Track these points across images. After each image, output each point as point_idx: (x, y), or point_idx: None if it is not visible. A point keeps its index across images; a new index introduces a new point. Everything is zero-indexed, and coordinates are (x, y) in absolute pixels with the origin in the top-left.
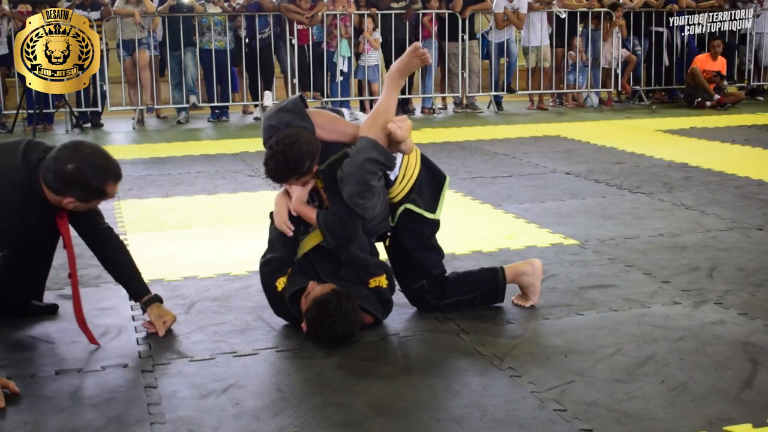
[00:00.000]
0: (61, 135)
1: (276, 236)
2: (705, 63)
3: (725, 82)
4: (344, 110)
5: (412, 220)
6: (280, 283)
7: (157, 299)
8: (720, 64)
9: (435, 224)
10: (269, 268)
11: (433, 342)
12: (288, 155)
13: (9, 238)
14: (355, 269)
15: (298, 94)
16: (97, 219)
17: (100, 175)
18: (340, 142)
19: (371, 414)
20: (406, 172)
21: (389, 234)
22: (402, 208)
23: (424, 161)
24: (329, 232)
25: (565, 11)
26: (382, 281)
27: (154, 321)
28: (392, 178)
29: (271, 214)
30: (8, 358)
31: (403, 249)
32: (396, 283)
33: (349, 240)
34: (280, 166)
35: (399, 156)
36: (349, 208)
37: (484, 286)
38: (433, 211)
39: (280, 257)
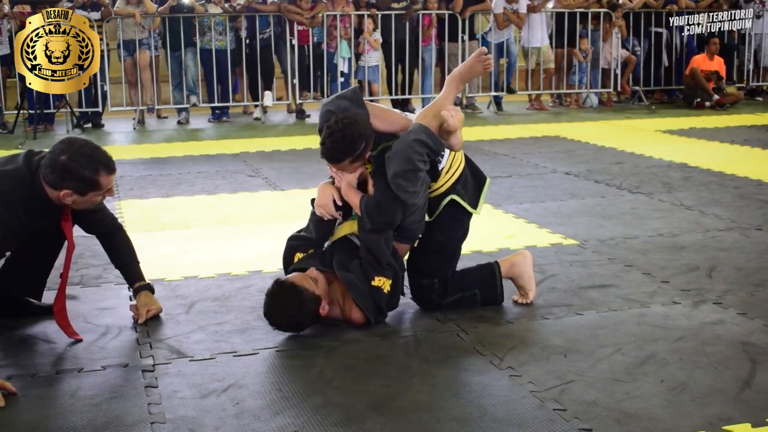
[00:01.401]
0: (61, 135)
1: (313, 220)
2: (702, 63)
3: (723, 83)
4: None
5: (451, 216)
6: (297, 257)
7: (148, 288)
8: (717, 64)
9: (466, 229)
10: (296, 243)
11: (433, 342)
12: (346, 134)
13: (16, 238)
14: (368, 261)
15: (356, 84)
16: (101, 213)
17: (92, 164)
18: (391, 133)
19: (371, 414)
20: (453, 163)
21: (419, 237)
22: (448, 199)
23: (468, 160)
24: (367, 215)
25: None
26: (385, 284)
27: (139, 308)
28: (440, 167)
29: (313, 200)
30: (8, 358)
31: (431, 245)
32: (402, 291)
33: (385, 224)
34: (338, 144)
35: (446, 150)
36: (390, 194)
37: (483, 282)
38: (475, 207)
39: (311, 238)
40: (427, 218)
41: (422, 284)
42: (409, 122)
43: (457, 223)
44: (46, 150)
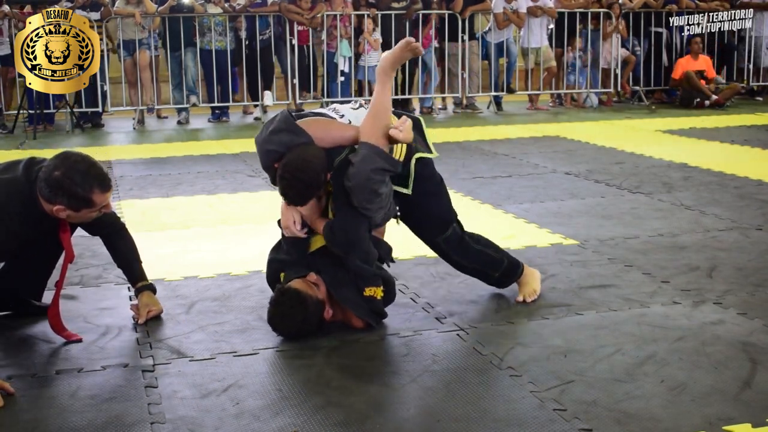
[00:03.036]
0: (61, 135)
1: (288, 242)
2: (687, 64)
3: (716, 84)
4: (326, 111)
5: (422, 170)
6: (282, 276)
7: (150, 288)
8: (703, 63)
9: (437, 172)
10: (278, 265)
11: (433, 342)
12: (304, 179)
13: (9, 248)
14: (354, 277)
15: (284, 110)
16: (103, 215)
17: (86, 182)
18: (341, 146)
19: (371, 414)
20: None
21: (398, 213)
22: (415, 158)
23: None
24: (331, 241)
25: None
26: (377, 292)
27: (141, 308)
28: None
29: (279, 222)
30: (8, 358)
31: (422, 199)
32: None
33: (350, 246)
34: (300, 192)
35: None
36: (351, 215)
37: (511, 262)
38: (431, 151)
39: (288, 260)
40: (407, 191)
41: (445, 238)
42: (355, 131)
43: (429, 171)
44: (47, 158)
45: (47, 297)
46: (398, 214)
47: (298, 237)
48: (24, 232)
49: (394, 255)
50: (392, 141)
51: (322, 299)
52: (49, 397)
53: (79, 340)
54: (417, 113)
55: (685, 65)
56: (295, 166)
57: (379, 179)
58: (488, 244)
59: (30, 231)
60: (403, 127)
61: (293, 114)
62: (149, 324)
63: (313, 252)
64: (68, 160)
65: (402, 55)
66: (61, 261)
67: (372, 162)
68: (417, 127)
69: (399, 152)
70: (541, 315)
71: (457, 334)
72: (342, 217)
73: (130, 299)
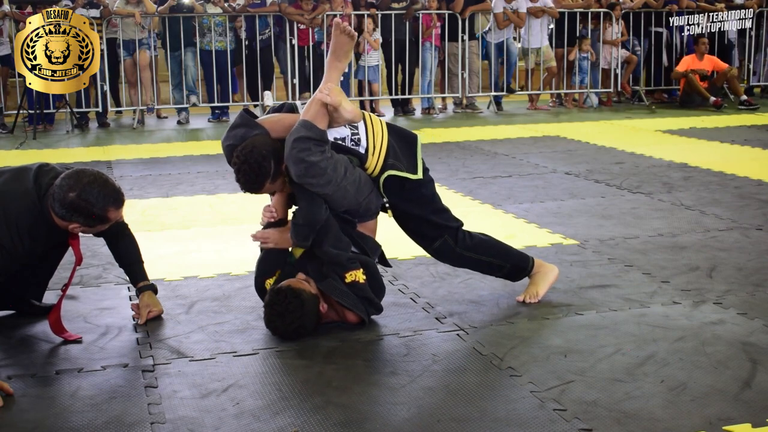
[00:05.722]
0: (61, 135)
1: (267, 251)
2: (692, 63)
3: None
4: (297, 103)
5: (403, 188)
6: (268, 284)
7: (152, 288)
8: (708, 63)
9: (430, 184)
10: (260, 270)
11: (433, 342)
12: (251, 163)
13: (18, 260)
14: (331, 266)
15: (242, 108)
16: None
17: (101, 201)
18: None
19: (371, 414)
20: (374, 140)
21: (388, 205)
22: (385, 175)
23: (391, 128)
24: (296, 234)
25: None
26: (358, 275)
27: (141, 308)
28: (362, 150)
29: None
30: (8, 358)
31: (413, 216)
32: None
33: (313, 229)
34: (249, 176)
35: (362, 129)
36: (310, 199)
37: (517, 263)
38: (415, 172)
39: (270, 258)
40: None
41: (437, 248)
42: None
43: (415, 189)
44: (56, 165)
45: (47, 297)
46: (387, 207)
47: (277, 249)
48: (35, 245)
49: (394, 256)
50: (333, 111)
51: (316, 293)
52: (49, 397)
53: (79, 340)
54: (417, 113)
55: (690, 65)
56: (244, 153)
57: (303, 147)
58: (489, 251)
59: (41, 243)
60: (328, 90)
61: (251, 111)
62: (149, 324)
63: (301, 255)
64: (81, 181)
65: (338, 40)
66: (64, 261)
67: (296, 132)
68: (410, 146)
69: (372, 167)
70: (541, 315)
71: (457, 334)
72: (302, 204)
73: (130, 299)
